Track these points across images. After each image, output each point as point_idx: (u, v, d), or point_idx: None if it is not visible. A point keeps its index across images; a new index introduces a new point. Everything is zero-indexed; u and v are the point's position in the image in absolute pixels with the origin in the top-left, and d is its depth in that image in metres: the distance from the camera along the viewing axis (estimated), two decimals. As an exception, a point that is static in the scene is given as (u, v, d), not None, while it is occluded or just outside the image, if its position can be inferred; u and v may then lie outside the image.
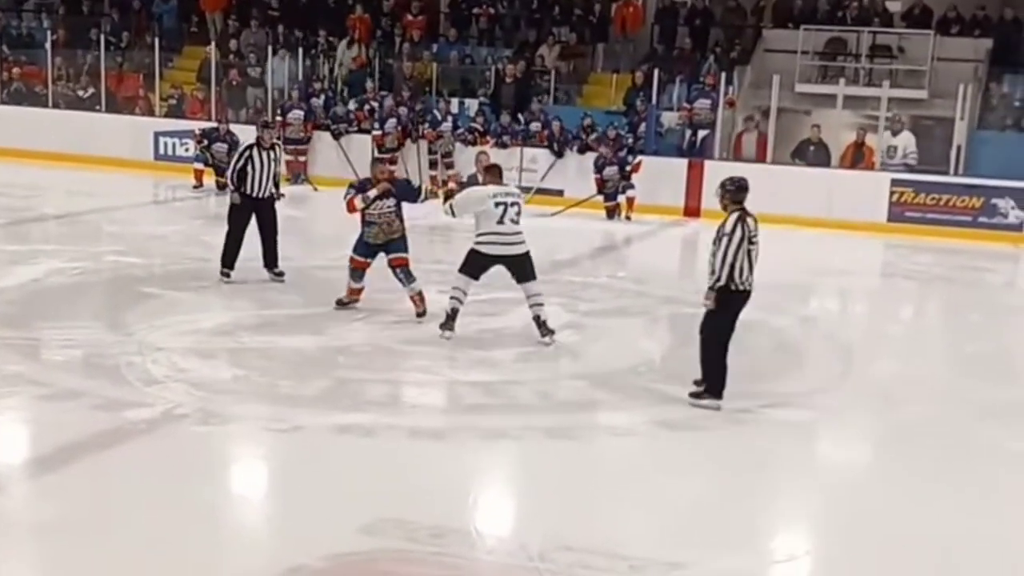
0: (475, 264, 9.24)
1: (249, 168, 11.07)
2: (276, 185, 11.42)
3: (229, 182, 11.30)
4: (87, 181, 17.96)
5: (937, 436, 7.76)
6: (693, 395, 7.94)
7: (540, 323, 9.31)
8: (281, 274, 11.35)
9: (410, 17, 22.16)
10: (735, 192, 7.79)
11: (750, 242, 7.63)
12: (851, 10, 20.98)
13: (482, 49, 22.00)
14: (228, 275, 11.19)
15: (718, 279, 7.65)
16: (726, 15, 22.08)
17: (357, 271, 10.06)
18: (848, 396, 8.69)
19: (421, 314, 9.83)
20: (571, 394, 8.40)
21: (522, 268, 9.24)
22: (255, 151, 11.13)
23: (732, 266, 7.60)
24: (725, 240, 7.63)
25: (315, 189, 18.37)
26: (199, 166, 18.13)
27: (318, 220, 16.73)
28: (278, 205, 11.42)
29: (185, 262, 12.44)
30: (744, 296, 7.76)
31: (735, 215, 7.70)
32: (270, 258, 11.38)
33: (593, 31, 21.89)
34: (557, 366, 9.09)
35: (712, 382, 7.89)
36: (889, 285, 14.78)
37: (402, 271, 9.84)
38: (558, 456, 7.15)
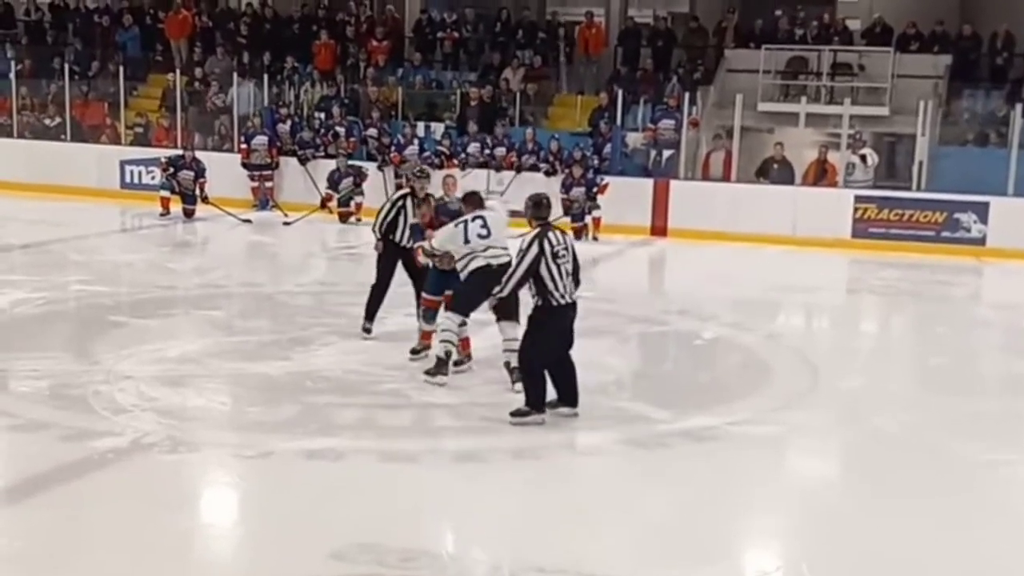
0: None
1: (400, 219, 10.18)
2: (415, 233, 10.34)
3: (375, 232, 10.30)
4: (53, 210, 17.87)
5: (906, 450, 7.83)
6: (514, 414, 7.87)
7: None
8: None
9: (375, 42, 22.22)
10: (534, 208, 7.89)
11: (556, 256, 7.64)
12: (811, 29, 21.19)
13: (447, 73, 22.09)
14: (369, 330, 10.28)
15: (500, 291, 7.87)
16: (688, 36, 22.25)
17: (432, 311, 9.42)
18: (816, 411, 8.74)
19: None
20: (540, 415, 8.37)
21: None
22: (408, 202, 10.21)
23: (520, 283, 7.71)
24: (517, 258, 7.78)
25: (285, 215, 18.31)
26: (165, 194, 18.16)
27: (286, 246, 16.73)
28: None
29: (152, 290, 12.40)
30: (564, 309, 7.76)
31: (533, 232, 7.79)
32: None
33: (557, 53, 22.01)
34: (526, 387, 9.08)
35: (533, 398, 7.85)
36: (854, 300, 14.90)
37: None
38: (528, 477, 7.17)
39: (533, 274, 7.65)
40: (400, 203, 10.27)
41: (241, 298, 12.54)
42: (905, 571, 5.85)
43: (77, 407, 7.96)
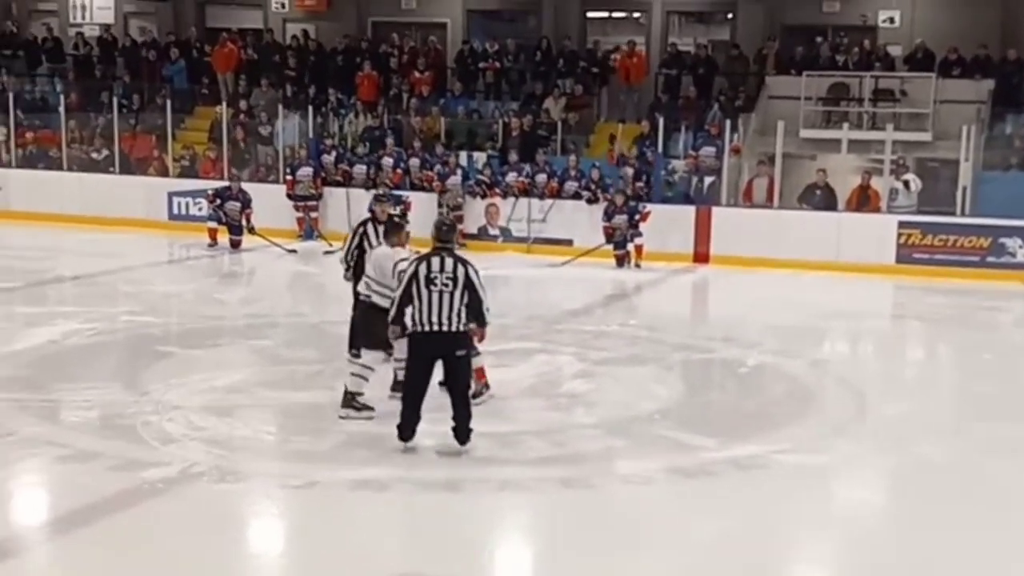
0: None
1: (366, 245, 9.94)
2: None
3: (343, 263, 10.18)
4: (102, 242, 18.11)
5: (952, 477, 7.79)
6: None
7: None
8: None
9: (417, 73, 22.40)
10: (434, 231, 7.92)
11: (430, 282, 7.59)
12: (852, 55, 21.15)
13: (489, 103, 22.23)
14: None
15: (391, 315, 7.87)
16: (729, 63, 22.27)
17: None
18: (861, 440, 8.71)
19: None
20: (586, 443, 8.39)
21: None
22: (370, 227, 10.09)
23: (399, 306, 7.73)
24: (398, 279, 7.88)
25: (330, 245, 18.40)
26: (212, 225, 18.32)
27: (331, 275, 16.77)
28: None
29: (200, 320, 12.55)
30: (424, 336, 7.67)
31: (419, 255, 7.87)
32: None
33: (597, 82, 22.12)
34: (571, 415, 9.13)
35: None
36: (899, 327, 14.81)
37: None
38: (574, 506, 7.19)
39: (409, 295, 7.66)
40: (361, 230, 10.13)
41: (287, 328, 12.65)
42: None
43: (126, 437, 8.07)
